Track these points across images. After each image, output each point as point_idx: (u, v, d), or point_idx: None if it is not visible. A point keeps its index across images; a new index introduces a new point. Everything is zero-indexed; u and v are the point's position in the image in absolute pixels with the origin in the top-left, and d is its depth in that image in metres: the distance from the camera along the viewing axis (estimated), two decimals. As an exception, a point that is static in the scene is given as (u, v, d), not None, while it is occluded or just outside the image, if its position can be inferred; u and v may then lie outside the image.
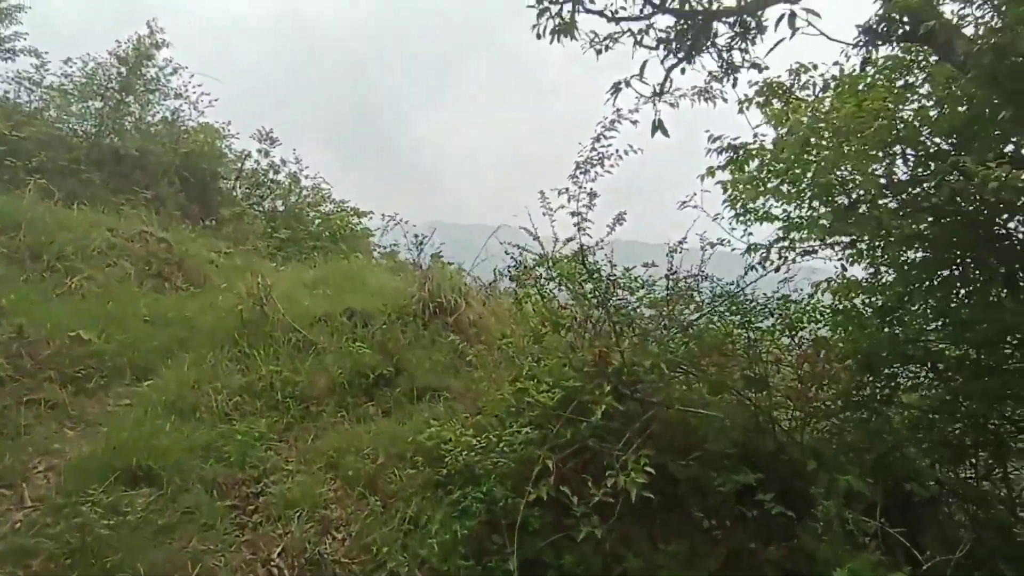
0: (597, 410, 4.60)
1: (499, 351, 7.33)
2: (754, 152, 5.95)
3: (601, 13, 6.63)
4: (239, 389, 6.42)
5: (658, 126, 6.15)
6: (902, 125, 4.55)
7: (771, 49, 5.81)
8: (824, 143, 4.53)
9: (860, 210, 4.69)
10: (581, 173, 5.55)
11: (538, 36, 6.86)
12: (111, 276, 8.64)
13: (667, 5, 6.47)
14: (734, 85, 6.82)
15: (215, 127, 18.88)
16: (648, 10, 6.56)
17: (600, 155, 5.48)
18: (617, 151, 5.53)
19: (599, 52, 7.31)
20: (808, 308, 6.08)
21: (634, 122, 5.82)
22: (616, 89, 6.49)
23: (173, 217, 15.71)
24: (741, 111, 6.78)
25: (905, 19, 5.01)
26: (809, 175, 4.83)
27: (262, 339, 7.28)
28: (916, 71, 5.96)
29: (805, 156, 4.60)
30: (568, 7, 6.63)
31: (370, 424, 6.34)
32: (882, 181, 4.43)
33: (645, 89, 6.51)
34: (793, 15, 5.40)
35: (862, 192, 4.59)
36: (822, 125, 4.48)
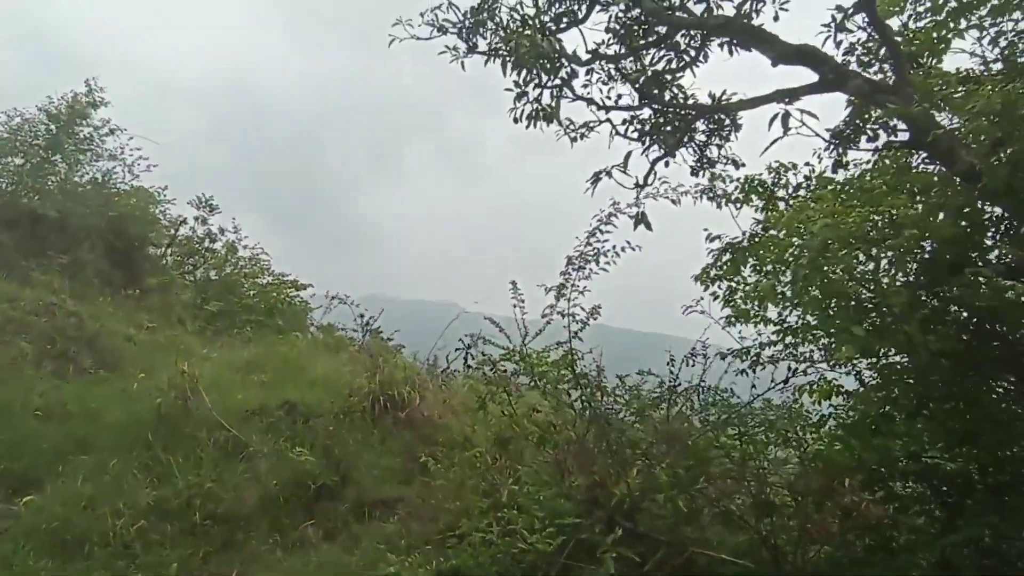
0: (607, 561, 3.74)
1: (461, 459, 6.42)
2: (747, 251, 5.63)
3: (591, 101, 6.36)
4: (147, 509, 5.11)
5: (641, 219, 5.76)
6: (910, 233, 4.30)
7: (766, 148, 5.66)
8: (837, 249, 4.20)
9: (881, 322, 4.34)
10: (574, 269, 5.00)
11: (515, 120, 6.51)
12: (2, 357, 7.27)
13: (657, 97, 6.27)
14: (712, 180, 6.62)
15: (150, 191, 17.64)
16: (633, 101, 6.36)
17: (596, 251, 4.97)
18: (615, 247, 5.05)
19: (574, 140, 7.03)
20: (812, 420, 5.60)
21: (633, 217, 5.40)
22: (596, 179, 6.12)
23: (91, 285, 14.16)
24: (720, 207, 6.56)
25: (900, 126, 4.95)
26: (816, 283, 4.47)
27: (182, 441, 6.07)
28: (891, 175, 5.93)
29: (820, 263, 4.24)
30: (547, 92, 6.34)
31: (309, 553, 5.18)
32: (902, 294, 4.11)
33: (624, 178, 6.17)
34: (787, 115, 5.27)
35: (887, 307, 4.26)
36: (830, 238, 4.14)
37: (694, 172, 6.69)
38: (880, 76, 5.82)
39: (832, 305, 4.25)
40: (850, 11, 5.93)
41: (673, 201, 5.76)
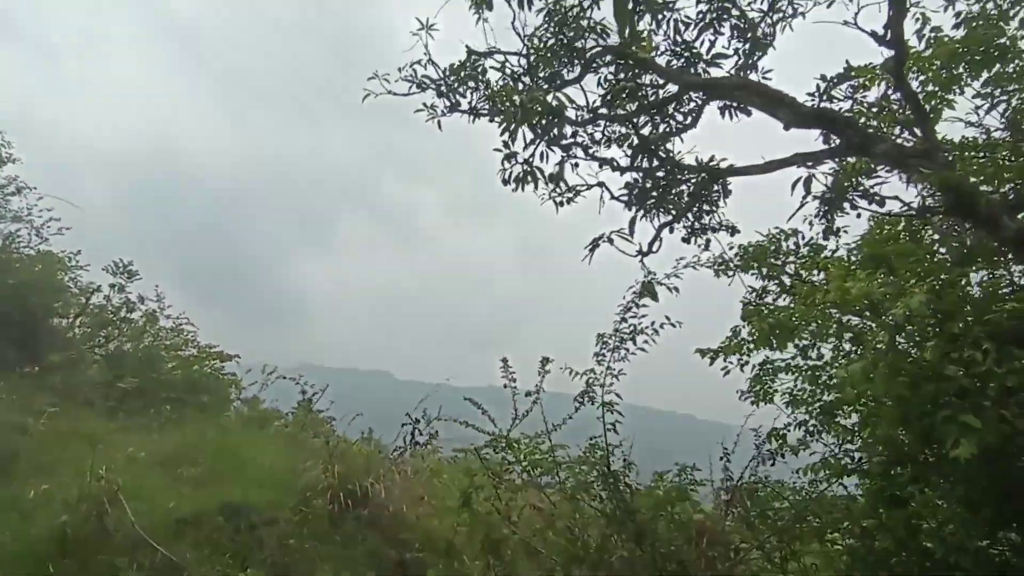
0: None
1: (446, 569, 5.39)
2: (790, 325, 5.12)
3: (606, 161, 5.88)
4: None
5: (648, 289, 5.25)
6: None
7: (793, 214, 5.37)
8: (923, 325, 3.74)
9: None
10: (609, 351, 4.35)
11: (503, 182, 5.96)
12: None
13: (666, 159, 5.91)
14: (706, 246, 6.27)
15: (58, 256, 15.78)
16: (628, 163, 5.96)
17: (633, 328, 4.37)
18: (652, 324, 4.46)
19: (560, 204, 6.54)
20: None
21: (672, 289, 4.86)
22: (595, 245, 5.60)
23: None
24: (718, 275, 6.20)
25: (939, 194, 4.72)
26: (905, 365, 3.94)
27: (98, 572, 4.72)
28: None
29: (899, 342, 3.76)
30: (541, 151, 5.85)
31: None
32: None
33: (625, 243, 5.69)
34: (810, 179, 5.00)
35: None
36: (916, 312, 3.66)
37: (687, 239, 6.32)
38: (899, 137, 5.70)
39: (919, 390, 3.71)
40: (834, 80, 5.91)
41: (717, 272, 5.32)
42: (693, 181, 6.03)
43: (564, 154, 5.93)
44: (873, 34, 4.68)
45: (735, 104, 5.58)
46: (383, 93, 6.05)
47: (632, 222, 5.80)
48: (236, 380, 19.66)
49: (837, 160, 5.49)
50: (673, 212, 6.00)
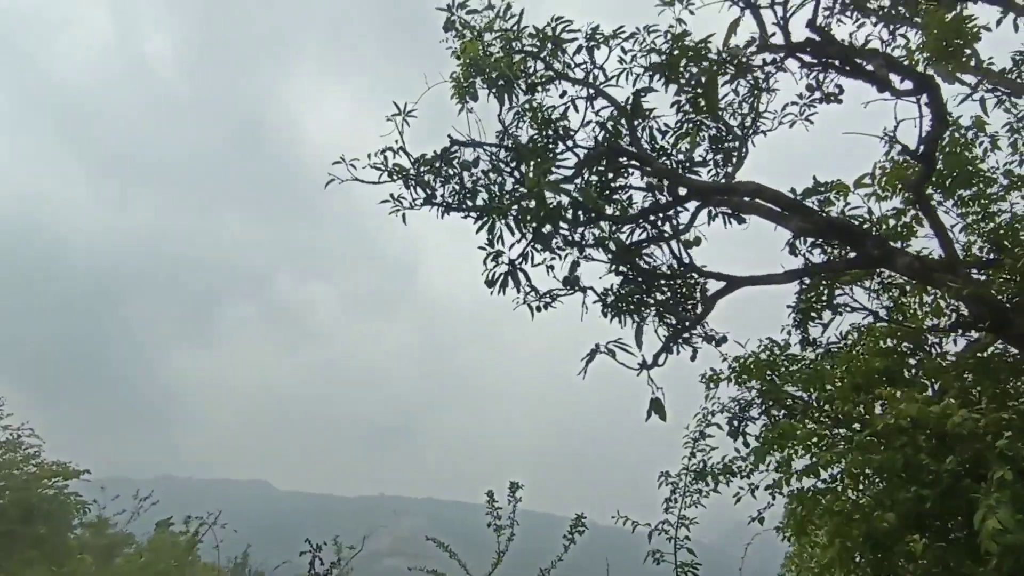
0: None
1: None
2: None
3: (629, 270, 5.43)
4: None
5: (655, 408, 4.70)
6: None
7: (825, 327, 5.15)
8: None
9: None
10: (681, 495, 3.65)
11: (488, 283, 5.36)
12: None
13: (674, 270, 5.60)
14: (693, 356, 5.93)
15: None
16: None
17: (702, 464, 3.74)
18: (724, 458, 3.86)
19: (538, 309, 5.99)
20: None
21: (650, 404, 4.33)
22: (592, 356, 5.04)
23: None
24: (708, 386, 5.83)
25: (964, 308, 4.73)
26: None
27: None
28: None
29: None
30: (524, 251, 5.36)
31: None
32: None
33: (621, 352, 5.18)
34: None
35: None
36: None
37: (667, 349, 5.94)
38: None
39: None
40: (802, 194, 6.04)
41: (709, 384, 4.85)
42: (676, 288, 5.80)
43: (554, 254, 5.49)
44: (905, 149, 4.82)
45: (729, 212, 5.51)
46: (348, 180, 5.38)
47: (639, 331, 5.36)
48: (82, 502, 16.61)
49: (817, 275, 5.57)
50: (672, 322, 5.66)
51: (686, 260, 5.58)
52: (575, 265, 5.62)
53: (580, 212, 5.24)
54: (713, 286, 5.65)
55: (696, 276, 5.79)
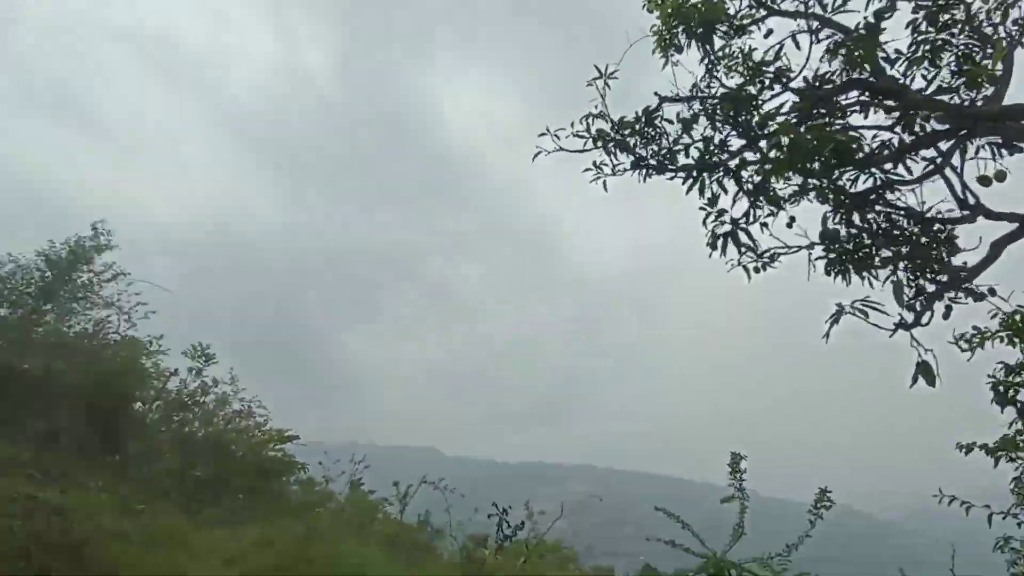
0: None
1: None
2: None
3: (869, 220, 4.93)
4: None
5: (922, 372, 4.10)
6: None
7: None
8: None
9: None
10: None
11: (710, 245, 5.08)
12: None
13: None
14: (946, 315, 5.08)
15: (142, 341, 15.45)
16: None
17: None
18: None
19: (755, 271, 5.56)
20: None
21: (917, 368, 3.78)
22: (837, 316, 4.51)
23: (64, 458, 11.51)
24: (972, 349, 5.01)
25: None
26: None
27: None
28: None
29: None
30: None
31: None
32: None
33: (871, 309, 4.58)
34: None
35: None
36: None
37: (928, 308, 5.14)
38: None
39: None
40: None
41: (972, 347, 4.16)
42: (935, 236, 5.00)
43: (780, 208, 5.01)
44: None
45: (1000, 142, 4.61)
46: (555, 151, 5.36)
47: (899, 288, 4.72)
48: (301, 464, 18.92)
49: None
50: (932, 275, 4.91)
51: (972, 201, 4.71)
52: (826, 218, 5.07)
53: (832, 157, 4.65)
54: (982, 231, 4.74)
55: (947, 225, 4.91)
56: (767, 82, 5.22)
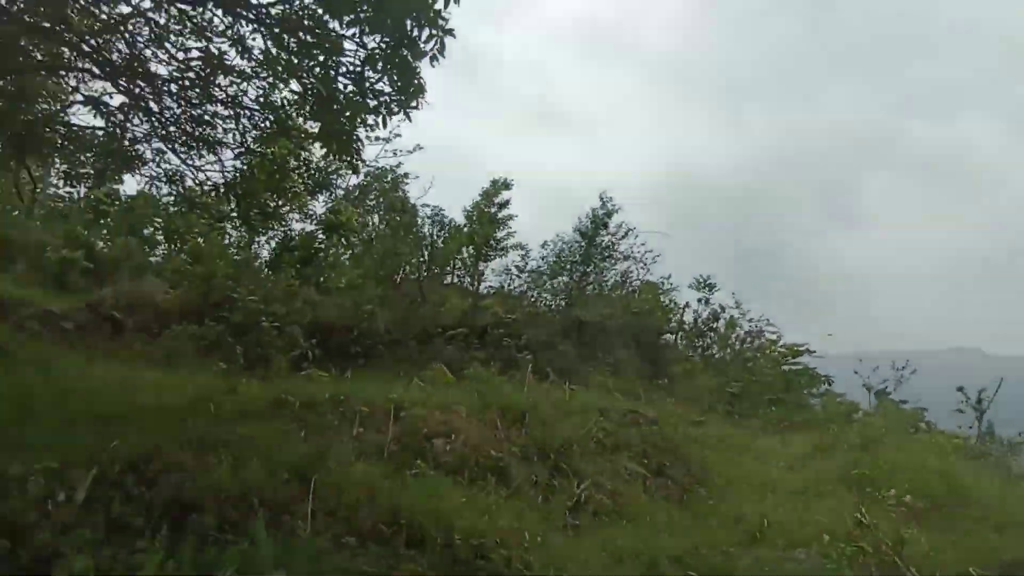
0: None
1: None
2: None
3: None
4: None
5: None
6: None
7: None
8: None
9: None
10: None
11: None
12: (616, 479, 6.68)
13: None
14: None
15: (656, 284, 17.98)
16: None
17: None
18: None
19: None
20: None
21: None
22: None
23: (631, 381, 14.51)
24: None
25: None
26: None
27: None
28: None
29: None
30: None
31: None
32: None
33: None
34: None
35: None
36: None
37: None
38: None
39: None
40: None
41: None
42: None
43: None
44: None
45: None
46: None
47: None
48: (825, 376, 18.38)
49: None
50: None
51: None
52: None
53: None
54: None
55: None
56: None
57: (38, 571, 3.48)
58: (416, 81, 5.38)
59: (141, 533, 3.99)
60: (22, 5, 6.43)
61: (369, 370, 9.89)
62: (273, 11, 5.94)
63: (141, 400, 6.00)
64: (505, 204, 17.61)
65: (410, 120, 5.64)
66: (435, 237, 15.17)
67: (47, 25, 6.31)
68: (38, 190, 10.74)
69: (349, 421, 6.41)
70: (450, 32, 5.29)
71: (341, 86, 5.50)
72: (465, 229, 15.47)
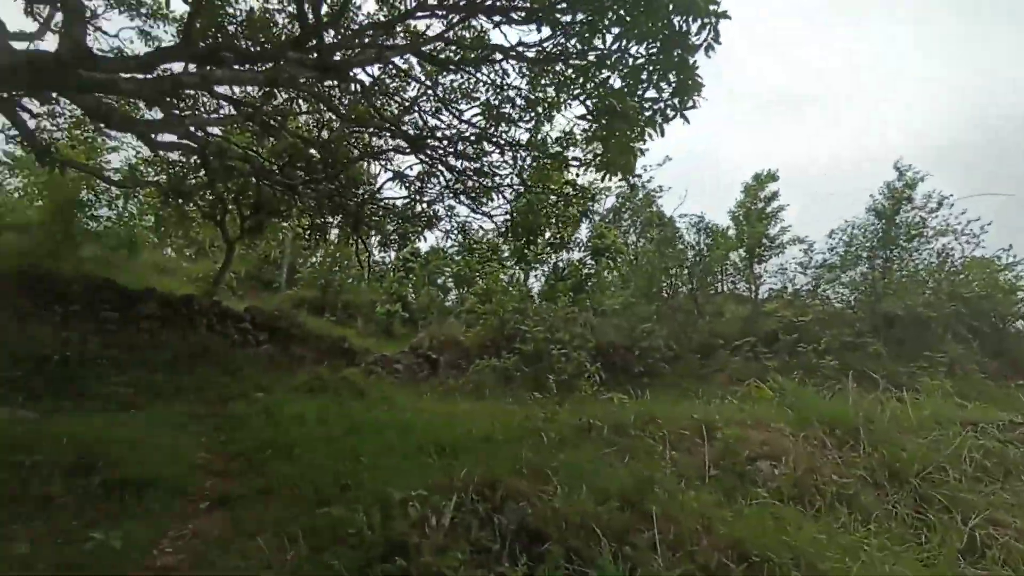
0: None
1: None
2: None
3: None
4: None
5: None
6: None
7: None
8: None
9: None
10: None
11: None
12: (1021, 514, 5.07)
13: None
14: None
15: (989, 260, 14.15)
16: None
17: None
18: None
19: None
20: None
21: None
22: None
23: (975, 382, 11.51)
24: None
25: None
26: None
27: None
28: None
29: None
30: None
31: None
32: None
33: None
34: None
35: None
36: None
37: None
38: None
39: None
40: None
41: None
42: None
43: None
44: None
45: None
46: None
47: None
48: None
49: None
50: None
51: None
52: None
53: None
54: None
55: None
56: None
57: (424, 588, 3.85)
58: (693, 79, 5.01)
59: (499, 559, 4.21)
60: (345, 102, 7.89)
61: (655, 388, 9.62)
62: (528, 53, 6.16)
63: (468, 429, 6.59)
64: (772, 197, 16.00)
65: (687, 121, 5.27)
66: (701, 246, 14.38)
67: (366, 117, 7.61)
68: (365, 257, 13.32)
69: (659, 443, 6.13)
70: (724, 15, 4.83)
71: (614, 104, 5.41)
72: (731, 232, 14.36)
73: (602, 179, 5.98)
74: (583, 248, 14.81)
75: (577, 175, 8.37)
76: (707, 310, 13.23)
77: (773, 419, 6.58)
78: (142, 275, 13.05)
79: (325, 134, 9.56)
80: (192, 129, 7.31)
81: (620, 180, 6.50)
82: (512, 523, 4.42)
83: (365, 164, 10.59)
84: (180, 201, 11.78)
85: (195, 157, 9.99)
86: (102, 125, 9.40)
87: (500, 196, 8.50)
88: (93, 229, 12.77)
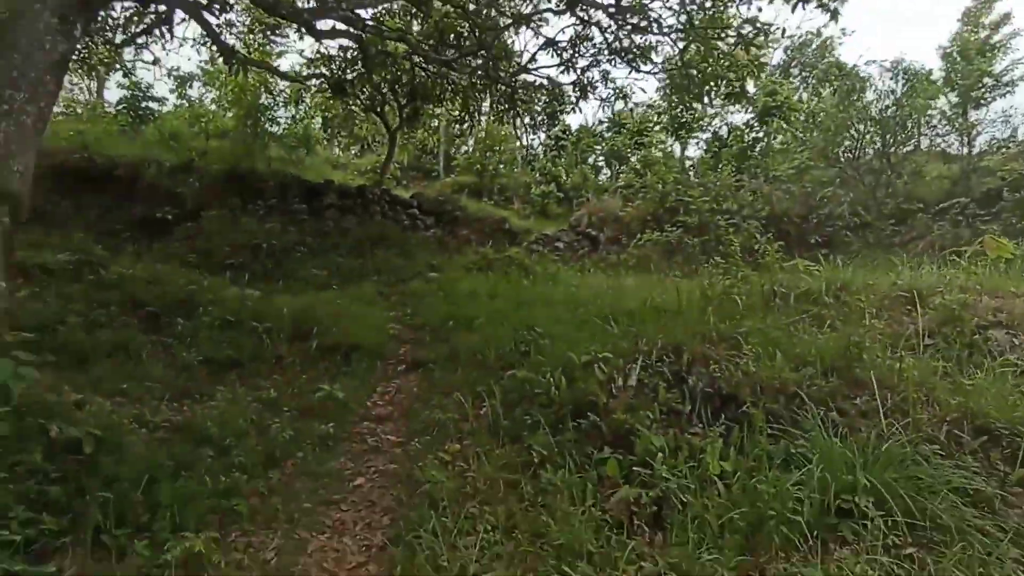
0: None
1: None
2: None
3: None
4: None
5: None
6: None
7: None
8: None
9: None
10: None
11: None
12: None
13: None
14: None
15: None
16: None
17: None
18: None
19: None
20: None
21: None
22: None
23: None
24: None
25: None
26: None
27: None
28: None
29: None
30: None
31: None
32: None
33: None
34: None
35: None
36: None
37: None
38: None
39: None
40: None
41: None
42: None
43: None
44: None
45: None
46: None
47: None
48: None
49: None
50: None
51: None
52: None
53: None
54: None
55: None
56: None
57: (619, 443, 3.86)
58: None
59: (689, 419, 4.07)
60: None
61: (839, 257, 8.51)
62: None
63: (645, 298, 6.35)
64: (1003, 21, 12.61)
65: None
66: (898, 94, 11.89)
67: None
68: (522, 132, 13.14)
69: (856, 312, 5.41)
70: None
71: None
72: (937, 75, 11.63)
73: (792, 8, 4.89)
74: (750, 108, 13.03)
75: (759, 9, 7.04)
76: (902, 170, 11.15)
77: (1006, 287, 5.46)
78: (320, 170, 14.19)
79: (471, 5, 9.07)
80: (348, 11, 7.29)
81: (817, 6, 5.31)
82: (703, 386, 4.22)
83: (515, 34, 9.97)
84: (343, 97, 12.28)
85: (354, 48, 10.14)
86: (268, 16, 9.83)
87: (662, 51, 7.54)
88: (275, 132, 13.95)
